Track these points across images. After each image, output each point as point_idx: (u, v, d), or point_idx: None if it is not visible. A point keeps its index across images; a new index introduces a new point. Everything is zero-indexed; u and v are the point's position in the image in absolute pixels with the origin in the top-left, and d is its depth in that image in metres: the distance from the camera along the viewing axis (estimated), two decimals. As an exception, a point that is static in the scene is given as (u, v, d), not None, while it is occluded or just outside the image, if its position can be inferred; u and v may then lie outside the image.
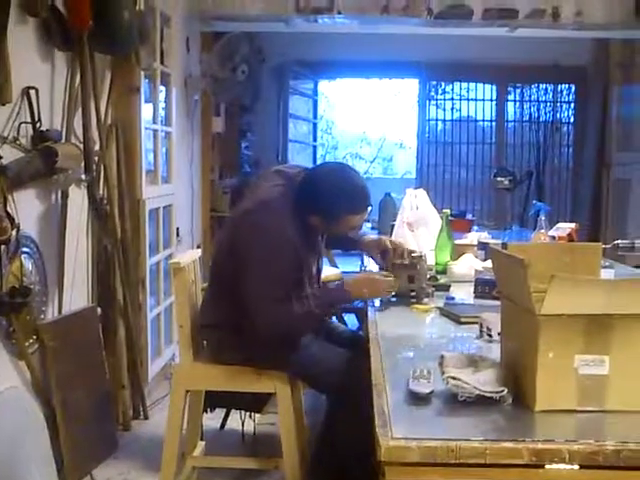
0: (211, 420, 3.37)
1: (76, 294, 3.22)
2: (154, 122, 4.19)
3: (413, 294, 2.61)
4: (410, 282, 2.61)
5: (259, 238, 2.43)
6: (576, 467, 1.32)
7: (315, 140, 8.50)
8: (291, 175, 2.60)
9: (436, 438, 1.33)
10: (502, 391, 1.49)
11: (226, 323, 2.56)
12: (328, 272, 3.97)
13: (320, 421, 2.67)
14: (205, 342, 2.71)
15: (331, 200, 2.48)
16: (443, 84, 8.02)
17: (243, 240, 2.47)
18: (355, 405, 2.26)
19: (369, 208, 2.58)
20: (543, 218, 3.36)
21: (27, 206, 2.74)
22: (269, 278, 2.42)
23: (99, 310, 3.36)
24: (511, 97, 7.96)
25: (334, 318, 4.02)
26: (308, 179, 2.55)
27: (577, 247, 2.09)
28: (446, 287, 2.81)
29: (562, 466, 1.31)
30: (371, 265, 3.12)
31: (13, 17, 2.57)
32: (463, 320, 2.28)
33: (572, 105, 7.79)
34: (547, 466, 1.32)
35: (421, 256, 2.68)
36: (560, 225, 3.44)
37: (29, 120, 2.75)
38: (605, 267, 2.93)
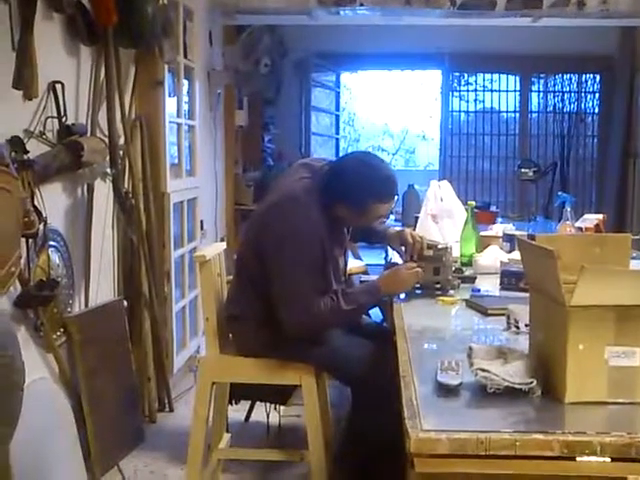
0: (236, 412, 3.38)
1: (102, 287, 3.25)
2: (178, 116, 4.20)
3: (438, 286, 2.60)
4: (435, 274, 2.60)
5: (286, 232, 2.42)
6: (608, 460, 1.31)
7: (337, 132, 8.48)
8: (316, 168, 2.60)
9: (465, 430, 1.32)
10: (531, 382, 1.48)
11: (252, 315, 2.57)
12: (352, 265, 3.97)
13: (345, 413, 2.67)
14: (231, 334, 2.72)
15: (358, 188, 2.46)
16: (466, 75, 7.96)
17: (270, 234, 2.46)
18: (380, 397, 2.25)
19: (396, 197, 2.57)
20: (569, 209, 3.34)
21: (54, 200, 2.77)
22: (297, 273, 2.41)
23: (125, 303, 3.38)
24: (535, 88, 7.88)
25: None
26: (334, 169, 2.54)
27: (606, 238, 2.06)
28: (472, 279, 2.79)
29: (593, 458, 1.30)
30: (395, 257, 3.11)
31: (39, 13, 2.58)
32: (490, 312, 2.27)
33: (597, 95, 7.69)
34: (578, 458, 1.31)
35: (447, 248, 2.67)
36: (587, 216, 3.42)
37: (55, 114, 2.77)
38: (634, 258, 2.91)
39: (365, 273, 4.29)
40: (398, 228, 3.00)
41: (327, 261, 2.50)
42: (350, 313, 2.53)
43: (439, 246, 2.67)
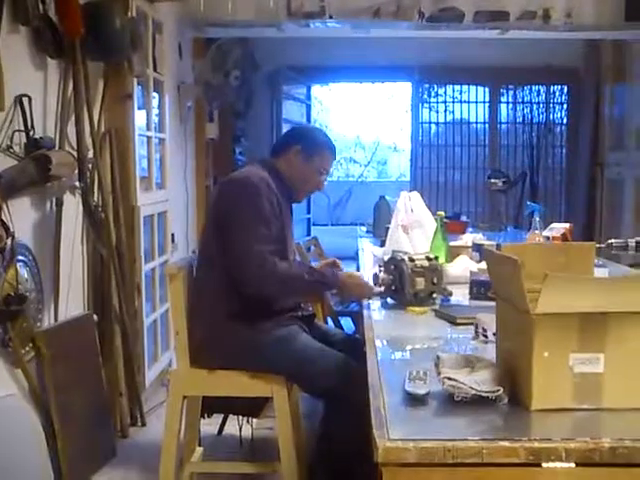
0: (209, 426, 3.36)
1: (72, 301, 3.22)
2: (148, 129, 4.19)
3: (435, 296, 2.61)
4: (432, 284, 2.61)
5: (241, 191, 2.58)
6: (573, 465, 1.32)
7: (309, 144, 8.49)
8: (260, 159, 2.83)
9: (433, 439, 1.33)
10: (498, 391, 1.49)
11: (217, 312, 2.59)
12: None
13: (318, 424, 2.68)
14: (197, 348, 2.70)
15: (314, 132, 2.93)
16: (436, 87, 8.04)
17: (225, 198, 2.61)
18: (352, 407, 2.26)
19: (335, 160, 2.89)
20: (537, 219, 3.37)
21: (22, 214, 2.75)
22: (254, 228, 2.51)
23: (95, 317, 3.35)
24: (504, 99, 7.99)
25: (330, 322, 4.03)
26: (286, 132, 2.93)
27: (571, 247, 2.10)
28: (449, 293, 2.77)
29: (559, 464, 1.32)
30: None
31: (5, 26, 2.57)
32: (459, 321, 2.28)
33: (565, 106, 7.81)
34: (544, 464, 1.32)
35: (437, 257, 2.70)
36: (554, 225, 3.45)
37: (22, 128, 2.76)
38: (599, 266, 2.94)
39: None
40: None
41: (284, 226, 2.63)
42: (305, 284, 2.63)
43: (429, 256, 2.68)
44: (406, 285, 2.56)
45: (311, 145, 2.76)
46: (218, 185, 2.83)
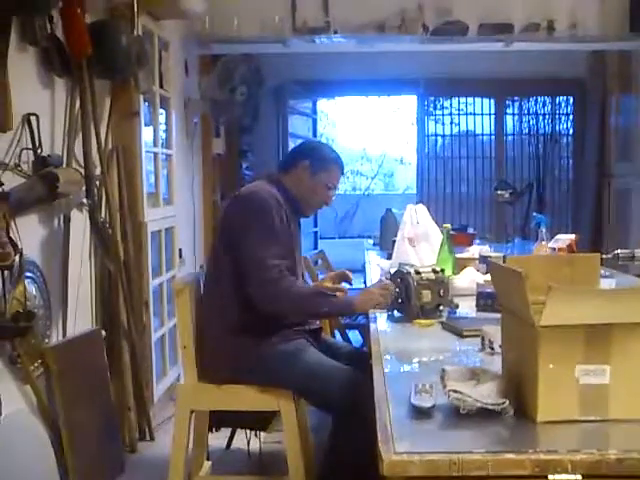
0: (217, 440, 3.37)
1: (80, 317, 3.23)
2: (154, 145, 4.22)
3: (441, 308, 2.61)
4: (439, 297, 2.61)
5: (250, 209, 2.61)
6: (579, 477, 1.32)
7: (316, 158, 8.51)
8: (268, 174, 2.85)
9: (438, 452, 1.33)
10: (503, 403, 1.49)
11: (225, 327, 2.60)
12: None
13: (326, 438, 2.67)
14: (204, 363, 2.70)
15: (322, 147, 2.94)
16: (441, 99, 8.05)
17: (235, 217, 2.63)
18: (360, 422, 2.26)
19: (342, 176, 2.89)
20: (544, 230, 3.38)
21: (30, 231, 2.77)
22: (265, 243, 2.53)
23: (103, 333, 3.37)
24: (510, 110, 7.98)
25: (338, 335, 4.04)
26: (293, 148, 2.95)
27: (576, 258, 2.09)
28: (456, 305, 2.77)
29: (565, 476, 1.32)
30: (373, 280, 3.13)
31: (13, 46, 2.60)
32: (465, 334, 2.28)
33: (570, 117, 7.81)
34: (550, 477, 1.32)
35: (444, 270, 2.71)
36: (560, 236, 3.45)
37: (30, 146, 2.78)
38: (605, 277, 2.95)
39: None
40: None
41: (293, 242, 2.67)
42: (318, 313, 2.69)
43: (437, 268, 2.69)
44: (412, 298, 2.57)
45: (319, 160, 2.78)
46: (227, 201, 2.82)
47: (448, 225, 3.31)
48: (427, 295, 2.57)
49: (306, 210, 2.85)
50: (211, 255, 2.80)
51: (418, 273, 2.62)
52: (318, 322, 2.97)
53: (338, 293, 2.71)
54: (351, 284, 3.16)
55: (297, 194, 2.76)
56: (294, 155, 2.87)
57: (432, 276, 2.63)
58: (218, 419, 3.02)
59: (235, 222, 2.62)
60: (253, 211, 2.59)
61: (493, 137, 7.95)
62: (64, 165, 3.04)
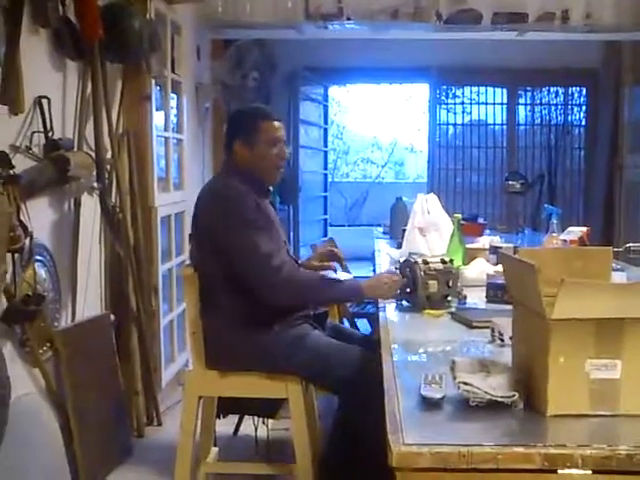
0: (224, 426, 3.37)
1: (89, 301, 3.24)
2: (165, 129, 4.21)
3: (449, 299, 2.60)
4: (447, 287, 2.60)
5: (221, 204, 2.58)
6: (589, 472, 1.31)
7: (326, 145, 8.50)
8: (222, 164, 2.87)
9: (448, 444, 1.32)
10: (513, 396, 1.49)
11: (227, 318, 2.59)
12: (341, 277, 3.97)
13: (332, 419, 2.67)
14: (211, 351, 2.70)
15: (240, 116, 2.80)
16: (454, 88, 8.01)
17: (209, 216, 2.60)
18: (367, 402, 2.24)
19: (278, 121, 2.73)
20: (555, 221, 3.35)
21: (40, 214, 2.77)
22: (252, 236, 2.51)
23: (112, 317, 3.38)
24: (522, 100, 7.94)
25: (346, 324, 4.03)
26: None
27: (588, 251, 2.08)
28: (463, 296, 2.76)
29: (575, 471, 1.31)
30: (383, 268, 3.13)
31: (25, 28, 2.59)
32: (475, 325, 2.27)
33: (583, 108, 7.76)
34: (560, 471, 1.31)
35: (452, 260, 2.69)
36: (571, 229, 3.42)
37: (41, 129, 2.78)
38: (617, 270, 2.92)
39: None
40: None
41: (272, 225, 2.64)
42: (324, 295, 2.64)
43: (446, 259, 2.68)
44: (419, 288, 2.56)
45: (244, 129, 2.68)
46: (199, 201, 2.71)
47: (459, 215, 3.29)
48: (434, 285, 2.56)
49: (268, 178, 2.75)
50: (196, 255, 2.72)
51: (426, 263, 2.61)
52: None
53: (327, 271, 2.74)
54: (341, 264, 3.16)
55: (251, 170, 2.67)
56: (226, 139, 2.76)
57: (440, 266, 2.62)
58: (226, 405, 3.03)
59: (216, 227, 2.57)
60: (228, 213, 2.54)
61: (505, 127, 7.91)
62: (75, 149, 3.03)
